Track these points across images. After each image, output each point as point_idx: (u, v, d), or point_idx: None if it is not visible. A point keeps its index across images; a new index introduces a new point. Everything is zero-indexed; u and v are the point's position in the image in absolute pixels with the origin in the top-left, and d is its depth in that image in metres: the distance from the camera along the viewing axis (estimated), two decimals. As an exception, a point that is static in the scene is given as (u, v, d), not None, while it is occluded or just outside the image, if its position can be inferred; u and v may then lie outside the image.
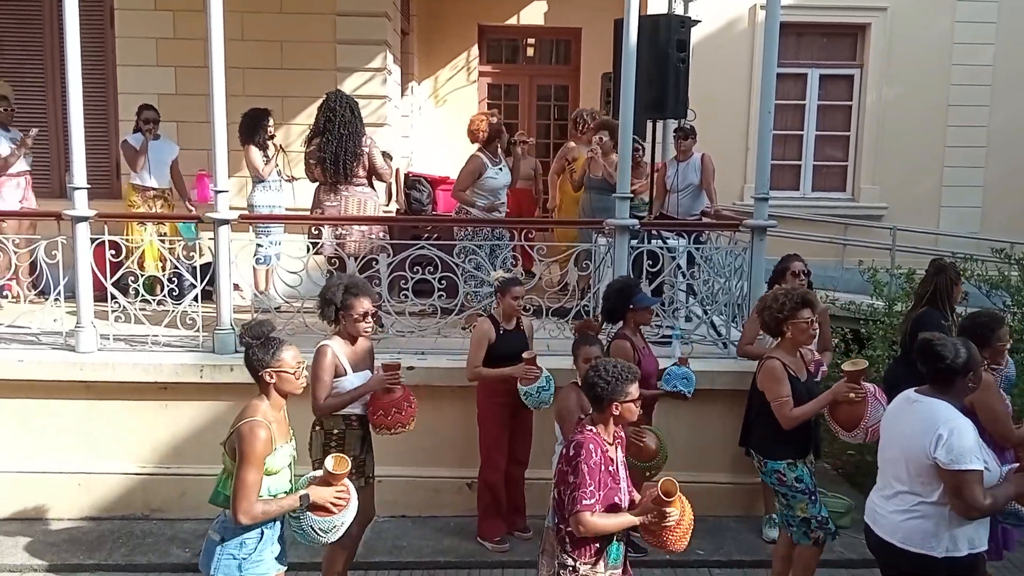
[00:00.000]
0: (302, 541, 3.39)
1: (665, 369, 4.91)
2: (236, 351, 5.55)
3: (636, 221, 5.63)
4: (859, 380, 3.93)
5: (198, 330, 5.63)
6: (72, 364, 5.40)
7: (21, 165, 6.59)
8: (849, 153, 10.53)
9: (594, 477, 3.16)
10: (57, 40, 7.37)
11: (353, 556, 4.56)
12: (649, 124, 6.80)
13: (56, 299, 5.65)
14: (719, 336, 5.88)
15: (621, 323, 4.94)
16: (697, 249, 6.06)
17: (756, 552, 5.16)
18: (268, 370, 3.30)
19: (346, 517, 3.39)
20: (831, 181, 10.51)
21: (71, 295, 5.60)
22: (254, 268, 6.67)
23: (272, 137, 7.00)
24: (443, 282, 5.74)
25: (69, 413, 5.47)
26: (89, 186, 5.52)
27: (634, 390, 3.26)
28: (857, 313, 7.19)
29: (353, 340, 4.25)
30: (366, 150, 6.22)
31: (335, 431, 4.19)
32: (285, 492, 3.34)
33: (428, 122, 10.17)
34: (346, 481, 3.38)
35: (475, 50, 10.11)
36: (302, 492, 3.28)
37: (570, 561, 3.26)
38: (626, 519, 3.24)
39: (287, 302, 5.97)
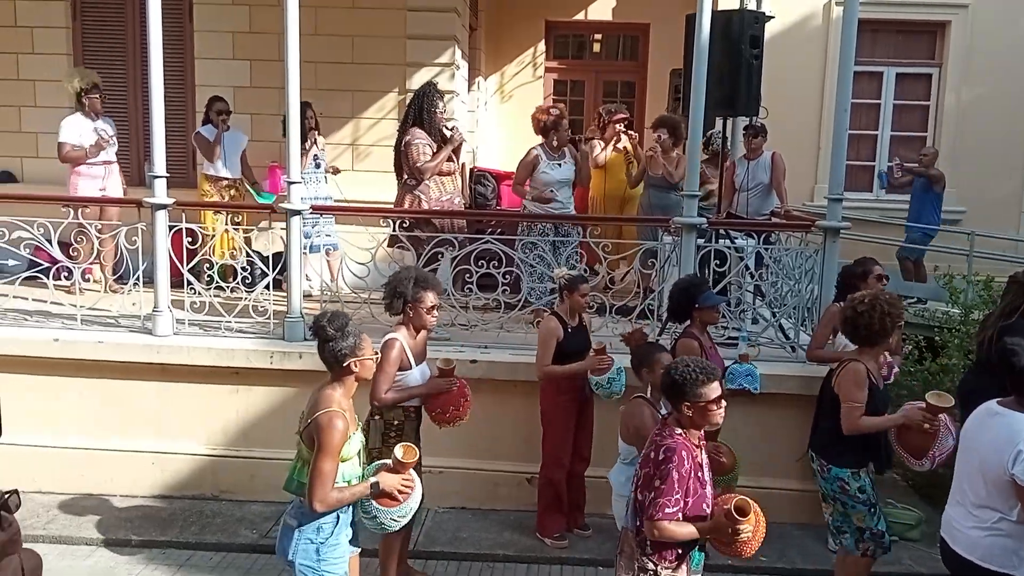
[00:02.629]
0: (369, 526, 3.47)
1: (728, 368, 4.84)
2: (305, 339, 5.68)
3: (704, 219, 5.56)
4: (938, 414, 3.82)
5: (269, 318, 5.77)
6: (149, 347, 5.59)
7: (108, 155, 6.81)
8: (926, 155, 10.18)
9: (683, 485, 3.10)
10: (138, 33, 7.63)
11: (408, 542, 4.62)
12: (718, 121, 6.72)
13: (135, 284, 5.85)
14: (787, 339, 5.77)
15: (688, 323, 4.89)
16: (766, 249, 5.95)
17: (820, 561, 5.06)
18: (354, 359, 3.38)
19: (412, 504, 3.45)
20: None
21: (149, 280, 5.80)
22: (326, 259, 6.80)
23: (312, 129, 7.08)
24: (507, 277, 5.77)
25: (145, 394, 5.66)
26: (168, 175, 5.71)
27: (711, 391, 3.13)
28: (932, 320, 6.97)
29: (418, 332, 4.32)
30: (411, 144, 6.29)
31: (395, 422, 4.26)
32: (357, 478, 3.42)
33: (493, 117, 10.20)
34: (415, 475, 3.45)
35: (541, 46, 10.09)
36: (372, 480, 3.34)
37: (651, 565, 3.22)
38: (699, 530, 3.15)
39: (354, 293, 6.07)
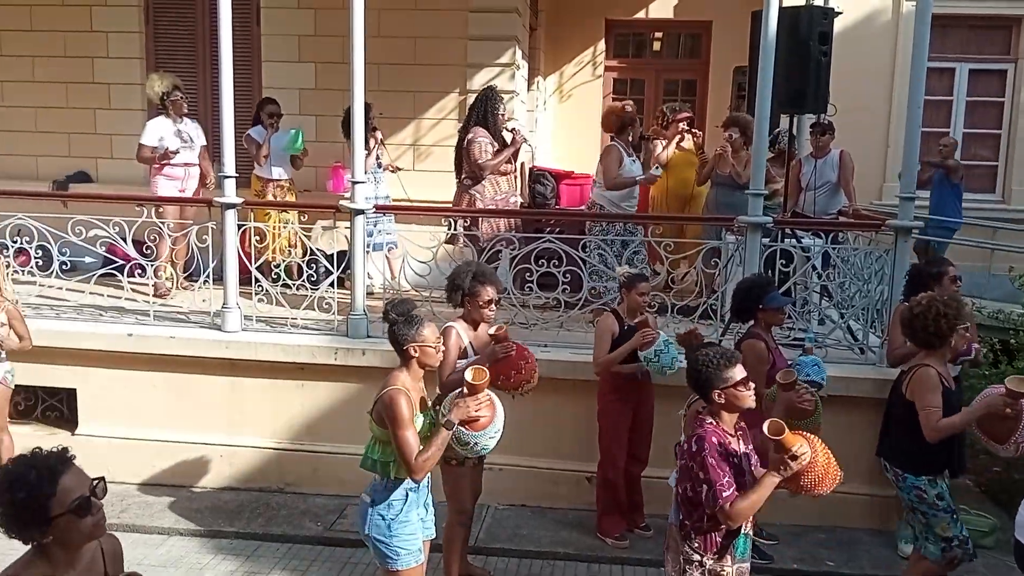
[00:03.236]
0: (469, 455, 3.70)
1: (793, 361, 4.75)
2: (368, 336, 5.78)
3: (770, 219, 5.47)
4: (1019, 399, 3.69)
5: (333, 314, 5.87)
6: (218, 342, 5.75)
7: (187, 157, 7.00)
8: (1000, 153, 9.86)
9: (724, 466, 3.11)
10: (208, 37, 7.84)
11: (468, 538, 4.66)
12: (782, 120, 6.60)
13: (205, 281, 6.02)
14: (855, 341, 5.63)
15: (752, 323, 4.82)
16: (834, 249, 5.82)
17: (890, 567, 4.93)
18: (413, 344, 3.53)
19: (491, 432, 3.55)
20: (979, 182, 9.86)
21: (218, 278, 5.96)
22: (387, 257, 6.88)
23: (374, 130, 7.16)
24: (567, 276, 5.77)
25: (214, 388, 5.82)
26: (237, 175, 5.86)
27: (735, 373, 3.16)
28: (1006, 323, 6.73)
29: (476, 325, 4.38)
30: (473, 142, 6.35)
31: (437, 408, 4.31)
32: None
33: (552, 117, 10.20)
34: (491, 395, 3.57)
35: (602, 44, 10.05)
36: (444, 418, 3.47)
37: (696, 556, 3.24)
38: (765, 483, 3.08)
39: (416, 290, 6.14)
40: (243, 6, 7.69)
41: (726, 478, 3.08)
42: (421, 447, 3.43)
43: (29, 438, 5.75)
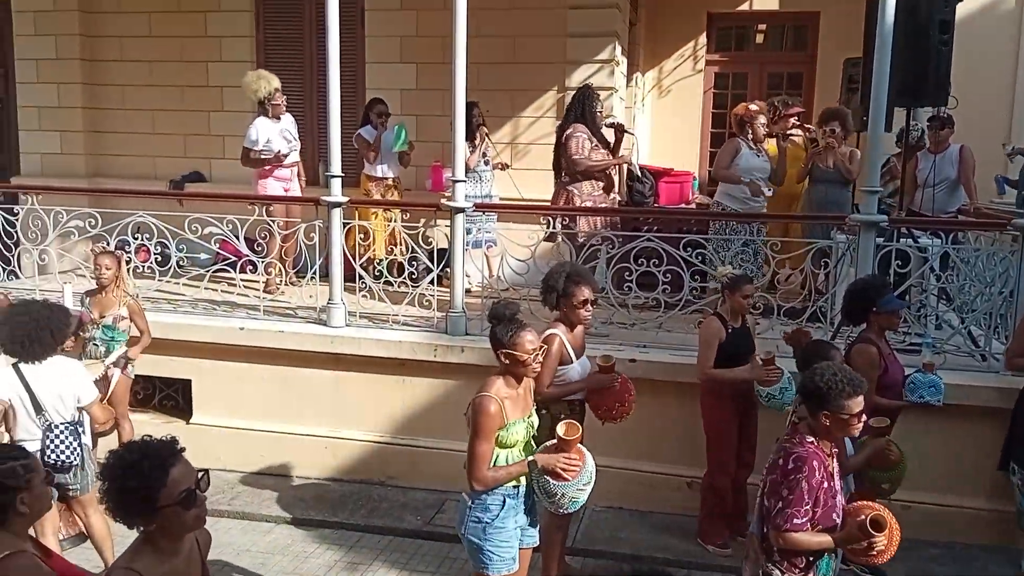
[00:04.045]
0: (547, 505, 3.54)
1: (909, 376, 4.53)
2: (467, 333, 5.83)
3: (885, 217, 5.23)
4: None
5: (433, 311, 5.95)
6: (324, 337, 5.91)
7: (292, 156, 7.24)
8: None
9: (812, 496, 3.00)
10: (315, 41, 8.07)
11: (566, 539, 4.64)
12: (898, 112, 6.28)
13: (312, 277, 6.20)
14: (976, 347, 5.33)
15: (864, 326, 4.62)
16: (955, 250, 5.51)
17: (1011, 587, 4.65)
18: (505, 351, 3.45)
19: (579, 484, 3.45)
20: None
21: (324, 275, 6.12)
22: (486, 255, 6.93)
23: (481, 126, 7.18)
24: (667, 275, 5.68)
25: (319, 382, 6.00)
26: (343, 175, 6.00)
27: (854, 405, 3.01)
28: None
29: (573, 326, 4.33)
30: (571, 137, 6.32)
31: (561, 415, 4.26)
32: None
33: (651, 113, 10.05)
34: (583, 450, 3.47)
35: (703, 38, 9.81)
36: (530, 458, 3.42)
37: (777, 572, 3.12)
38: (829, 542, 3.05)
39: (514, 288, 6.16)
40: (348, 9, 7.87)
41: (806, 507, 2.99)
42: (505, 462, 3.39)
43: (147, 426, 6.07)
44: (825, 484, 3.04)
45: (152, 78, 8.56)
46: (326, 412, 6.01)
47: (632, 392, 4.35)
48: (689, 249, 5.69)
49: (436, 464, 5.75)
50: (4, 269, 6.84)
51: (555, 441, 3.45)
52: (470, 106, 7.00)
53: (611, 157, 6.64)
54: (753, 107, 6.50)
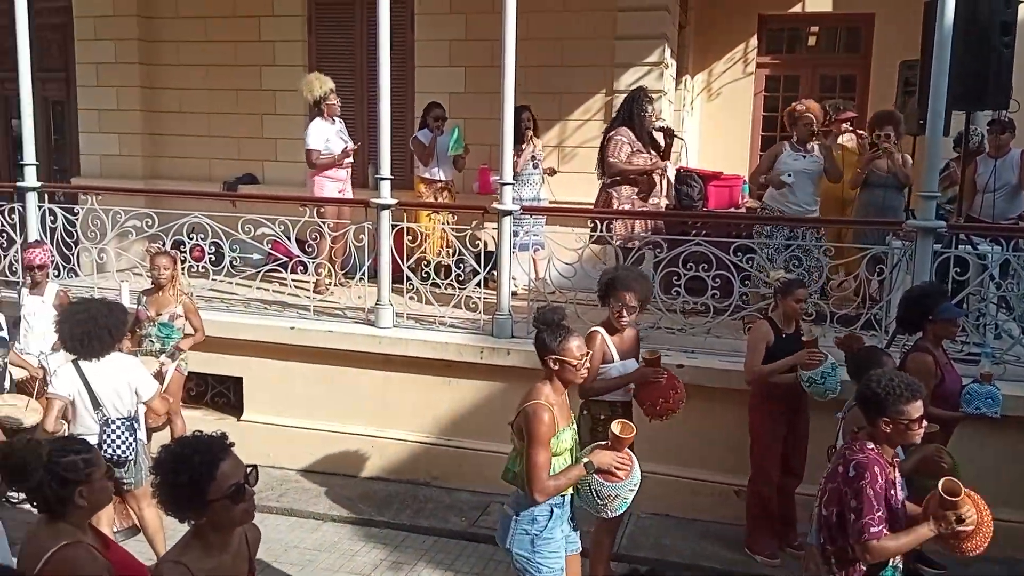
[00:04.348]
0: (588, 508, 3.50)
1: (966, 387, 4.41)
2: (512, 336, 5.84)
3: (943, 223, 5.11)
4: None
5: (479, 314, 5.98)
6: (372, 338, 5.97)
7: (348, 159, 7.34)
8: None
9: (880, 502, 2.93)
10: (365, 45, 8.17)
11: (612, 544, 4.61)
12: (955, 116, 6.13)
13: (361, 278, 6.27)
14: (1038, 358, 5.17)
15: (920, 335, 4.51)
16: (1015, 257, 5.35)
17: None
18: (552, 356, 3.43)
19: (630, 485, 3.44)
20: None
21: (372, 276, 6.19)
22: (532, 258, 6.94)
23: (528, 130, 7.18)
24: (717, 280, 5.62)
25: (367, 382, 6.06)
26: (392, 177, 6.06)
27: (913, 411, 2.95)
28: None
29: (618, 329, 4.33)
30: (611, 139, 6.33)
31: (601, 416, 4.27)
32: None
33: (700, 116, 9.95)
34: (629, 452, 3.45)
35: (753, 40, 9.69)
36: (585, 460, 3.39)
37: None
38: (919, 534, 2.96)
39: (560, 292, 6.15)
40: (399, 14, 7.96)
41: (879, 513, 2.92)
42: (553, 470, 3.36)
43: (199, 422, 6.20)
44: (888, 491, 2.98)
45: (207, 82, 8.76)
46: (373, 412, 6.07)
47: (679, 389, 4.30)
48: (739, 254, 5.62)
49: (481, 466, 5.76)
50: (64, 267, 7.04)
51: (602, 443, 3.45)
52: (519, 110, 7.03)
53: (659, 160, 6.57)
54: (799, 107, 6.35)
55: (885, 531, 2.93)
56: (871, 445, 3.03)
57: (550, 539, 3.44)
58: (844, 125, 6.89)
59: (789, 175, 6.13)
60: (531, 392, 3.46)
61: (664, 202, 8.04)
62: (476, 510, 5.55)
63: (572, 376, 3.47)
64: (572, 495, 3.53)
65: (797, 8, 9.54)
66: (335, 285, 6.83)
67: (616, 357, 4.29)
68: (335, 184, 7.22)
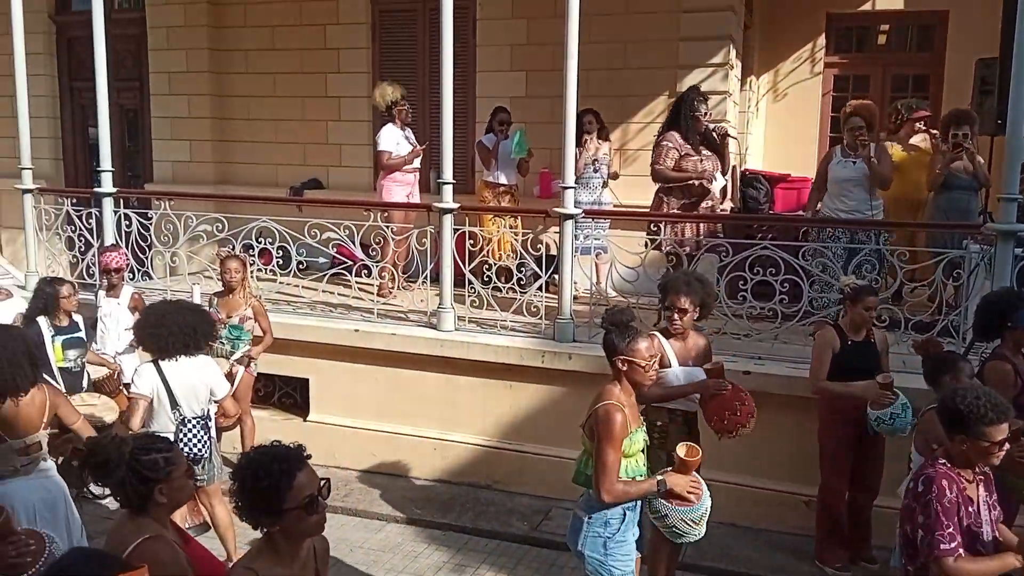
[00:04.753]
0: (660, 528, 3.47)
1: None
2: (574, 340, 5.81)
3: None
4: None
5: (541, 318, 5.97)
6: (434, 341, 6.01)
7: (415, 163, 7.42)
8: None
9: (950, 517, 2.80)
10: (428, 51, 8.23)
11: (677, 552, 4.53)
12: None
13: (423, 282, 6.32)
14: None
15: (998, 342, 4.34)
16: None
17: None
18: (621, 357, 3.43)
19: (693, 515, 3.38)
20: None
21: (435, 279, 6.24)
22: (595, 263, 6.90)
23: (587, 134, 7.14)
24: (785, 285, 5.50)
25: (429, 384, 6.11)
26: (454, 181, 6.10)
27: (996, 433, 2.80)
28: None
29: (681, 336, 4.26)
30: (658, 145, 6.29)
31: (658, 423, 4.20)
32: (641, 475, 3.44)
33: (766, 118, 9.77)
34: (697, 476, 3.38)
35: (821, 40, 9.46)
36: (659, 477, 3.36)
37: None
38: (1004, 562, 2.82)
39: (622, 296, 6.10)
40: (461, 19, 8.00)
41: (949, 529, 2.79)
42: (624, 477, 3.35)
43: (267, 422, 6.35)
44: (962, 507, 2.85)
45: (275, 89, 8.95)
46: (435, 414, 6.11)
47: (747, 402, 4.18)
48: (809, 257, 5.49)
49: (542, 471, 5.75)
50: (139, 270, 7.28)
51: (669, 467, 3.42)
52: (582, 113, 7.00)
53: (708, 165, 6.39)
54: (847, 109, 6.13)
55: (961, 551, 2.80)
56: (943, 461, 2.91)
57: (623, 542, 3.45)
58: (917, 125, 6.67)
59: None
60: (603, 393, 3.47)
61: (728, 205, 7.94)
62: (538, 515, 5.53)
63: (641, 377, 3.46)
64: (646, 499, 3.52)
65: (867, 6, 9.29)
66: (398, 288, 6.89)
67: (674, 362, 4.21)
68: (403, 188, 7.30)
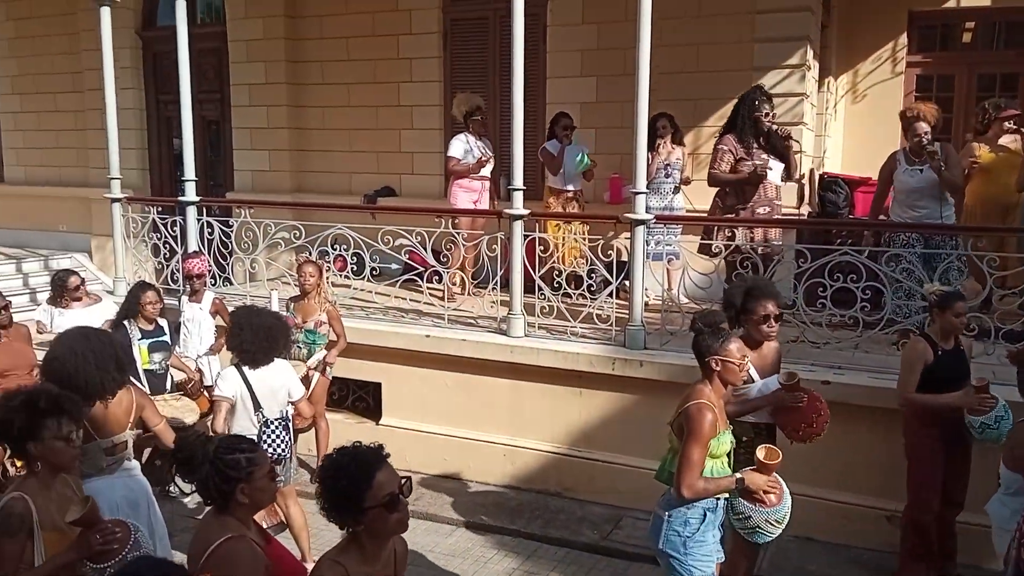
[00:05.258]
0: (740, 529, 3.47)
1: None
2: (645, 347, 5.74)
3: None
4: None
5: (611, 325, 5.91)
6: (504, 347, 6.02)
7: (485, 171, 7.47)
8: None
9: None
10: (498, 59, 8.28)
11: (754, 566, 4.42)
12: None
13: (493, 288, 6.35)
14: None
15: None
16: None
17: None
18: (716, 357, 3.45)
19: (785, 510, 3.37)
20: None
21: (504, 285, 6.25)
22: (666, 269, 6.80)
23: (660, 139, 7.04)
24: (866, 292, 5.31)
25: (499, 390, 6.12)
26: (524, 187, 6.11)
27: None
28: None
29: (756, 345, 4.13)
30: (715, 149, 6.24)
31: (744, 438, 4.09)
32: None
33: (845, 119, 9.49)
34: (783, 486, 3.37)
35: (903, 38, 9.14)
36: (738, 475, 3.36)
37: None
38: None
39: (695, 302, 6.00)
40: (531, 25, 8.03)
41: None
42: (712, 473, 3.33)
43: (341, 425, 6.46)
44: None
45: (349, 99, 9.14)
46: (505, 420, 6.12)
47: (822, 411, 4.03)
48: (892, 264, 5.30)
49: (613, 479, 5.70)
50: (220, 276, 7.51)
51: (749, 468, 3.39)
52: (655, 118, 6.93)
53: (765, 164, 6.21)
54: (910, 113, 5.81)
55: None
56: None
57: (702, 542, 3.43)
58: (1006, 124, 6.37)
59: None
60: (693, 392, 3.48)
61: (806, 209, 7.74)
62: (608, 523, 5.47)
63: (734, 377, 3.49)
64: (728, 501, 3.50)
65: (951, 3, 8.94)
66: (468, 294, 6.94)
67: (755, 375, 4.11)
68: (469, 194, 7.36)
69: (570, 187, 7.45)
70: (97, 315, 6.24)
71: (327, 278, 6.40)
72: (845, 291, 5.38)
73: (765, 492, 3.33)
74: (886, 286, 5.28)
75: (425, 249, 6.55)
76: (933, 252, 5.50)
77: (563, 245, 6.81)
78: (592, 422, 5.88)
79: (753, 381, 4.10)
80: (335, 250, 6.88)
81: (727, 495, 3.44)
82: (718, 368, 3.44)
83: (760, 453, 3.34)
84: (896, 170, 5.85)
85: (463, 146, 7.37)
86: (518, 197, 6.05)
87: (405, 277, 6.86)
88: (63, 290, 6.40)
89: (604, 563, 5.08)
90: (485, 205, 7.48)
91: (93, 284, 8.66)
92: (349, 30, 9.03)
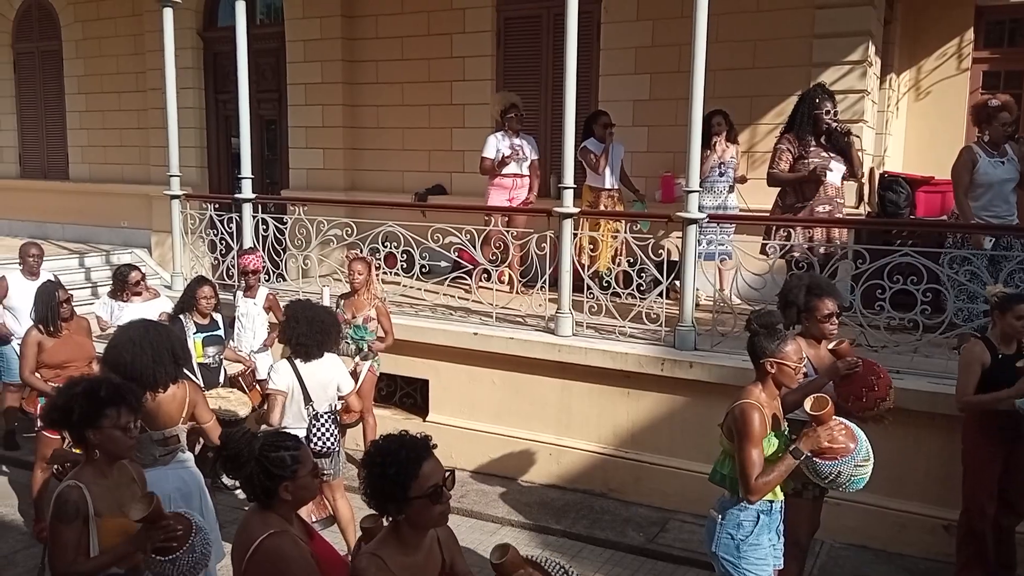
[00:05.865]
0: (829, 487, 3.45)
1: None
2: (695, 349, 5.65)
3: None
4: None
5: (660, 325, 5.84)
6: (552, 346, 5.99)
7: (516, 168, 7.46)
8: None
9: None
10: (551, 57, 8.25)
11: (802, 570, 4.32)
12: None
13: (542, 287, 6.32)
14: None
15: None
16: None
17: None
18: (771, 359, 3.38)
19: (855, 459, 3.28)
20: None
21: (552, 284, 6.22)
22: (718, 268, 6.70)
23: (717, 135, 6.93)
24: (927, 294, 5.14)
25: (546, 389, 6.09)
26: (575, 186, 6.07)
27: None
28: None
29: (818, 342, 4.04)
30: (775, 148, 6.11)
31: (794, 436, 4.00)
32: None
33: (907, 117, 9.21)
34: (848, 424, 3.34)
35: (969, 34, 8.82)
36: (792, 447, 3.28)
37: None
38: None
39: (748, 303, 5.88)
40: (585, 23, 7.95)
41: None
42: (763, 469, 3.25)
43: (388, 421, 6.51)
44: None
45: (403, 98, 9.21)
46: (551, 419, 6.09)
47: (881, 374, 3.86)
48: (956, 266, 5.11)
49: (660, 481, 5.63)
50: (274, 272, 7.64)
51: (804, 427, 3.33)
52: (710, 115, 6.82)
53: (824, 164, 6.04)
54: (994, 102, 5.59)
55: None
56: None
57: (756, 545, 3.36)
58: None
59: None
60: (741, 393, 3.43)
61: (865, 209, 7.53)
62: (654, 526, 5.40)
63: (790, 379, 3.41)
64: (782, 504, 3.44)
65: (1024, -5, 8.59)
66: (516, 293, 6.93)
67: (812, 372, 4.00)
68: (501, 192, 7.39)
69: (611, 185, 7.38)
70: (156, 309, 6.40)
71: (377, 275, 6.45)
72: (904, 293, 5.23)
73: (831, 441, 3.23)
74: (948, 289, 5.10)
75: (474, 247, 6.56)
76: (1001, 255, 5.30)
77: (603, 244, 6.75)
78: (640, 423, 5.81)
79: (812, 375, 4.00)
80: (386, 247, 6.93)
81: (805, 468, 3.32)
82: (773, 371, 3.37)
83: (807, 405, 3.26)
84: (977, 163, 5.64)
85: (494, 145, 7.39)
86: (568, 195, 6.01)
87: (454, 275, 6.87)
88: (124, 284, 6.58)
89: (649, 566, 5.02)
90: (520, 202, 7.45)
91: (152, 279, 8.89)
92: (404, 29, 9.10)
